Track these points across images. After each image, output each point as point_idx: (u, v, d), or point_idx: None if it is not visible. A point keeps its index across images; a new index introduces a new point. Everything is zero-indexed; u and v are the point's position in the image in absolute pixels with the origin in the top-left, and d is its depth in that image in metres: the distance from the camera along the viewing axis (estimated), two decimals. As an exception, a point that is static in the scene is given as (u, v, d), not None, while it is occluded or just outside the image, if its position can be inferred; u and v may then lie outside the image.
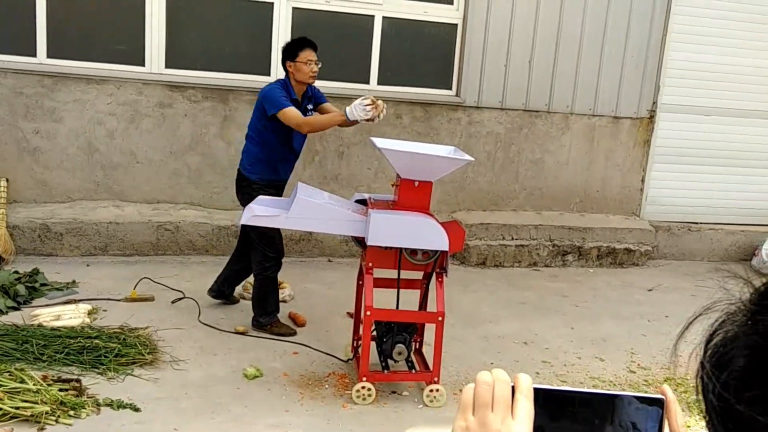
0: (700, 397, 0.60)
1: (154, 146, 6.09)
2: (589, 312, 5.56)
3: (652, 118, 7.12)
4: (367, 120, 4.18)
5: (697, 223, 7.38)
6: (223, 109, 6.15)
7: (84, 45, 5.89)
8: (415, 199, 3.71)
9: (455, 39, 6.60)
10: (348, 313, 5.07)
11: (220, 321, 4.77)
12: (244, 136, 4.96)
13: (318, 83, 6.50)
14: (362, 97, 4.18)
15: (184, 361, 4.11)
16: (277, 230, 4.38)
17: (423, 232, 3.58)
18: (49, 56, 5.78)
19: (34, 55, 5.76)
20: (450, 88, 6.72)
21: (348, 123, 4.35)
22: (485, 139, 6.77)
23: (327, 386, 3.96)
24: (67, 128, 5.89)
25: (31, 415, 3.28)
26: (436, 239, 3.58)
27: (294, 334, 4.62)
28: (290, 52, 4.43)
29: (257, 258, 4.52)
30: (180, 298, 5.05)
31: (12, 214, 5.68)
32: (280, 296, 5.24)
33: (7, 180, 5.78)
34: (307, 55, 4.41)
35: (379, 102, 4.15)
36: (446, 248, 3.61)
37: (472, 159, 3.76)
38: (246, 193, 4.45)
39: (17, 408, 3.30)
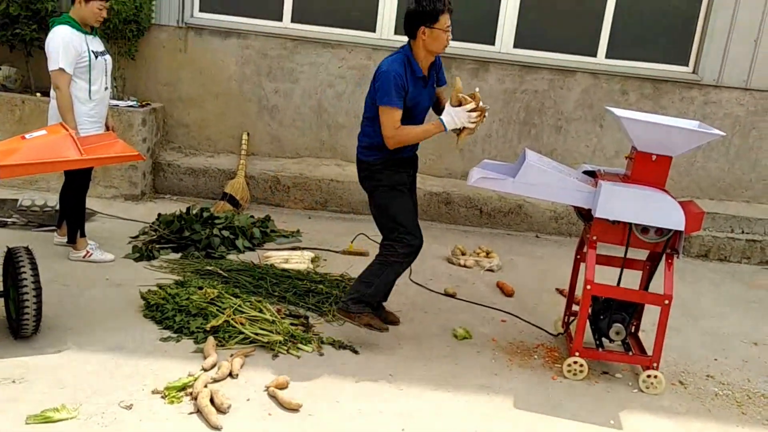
0: None
1: (377, 110, 6.35)
2: (835, 320, 4.92)
3: None
4: (463, 129, 3.51)
5: None
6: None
7: (323, 11, 6.28)
8: (651, 174, 3.50)
9: (699, 9, 6.09)
10: (557, 289, 4.97)
11: (429, 282, 4.89)
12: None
13: (535, 54, 6.36)
14: (467, 106, 3.47)
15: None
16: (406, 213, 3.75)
17: (658, 209, 3.37)
18: (293, 21, 6.25)
19: (280, 20, 6.25)
20: (686, 64, 6.24)
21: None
22: (721, 122, 6.21)
23: (536, 357, 3.92)
24: (302, 89, 6.34)
25: (267, 342, 3.61)
26: (673, 217, 3.36)
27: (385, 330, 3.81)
28: (430, 16, 3.48)
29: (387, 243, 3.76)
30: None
31: (249, 165, 6.26)
32: (487, 265, 5.27)
33: (248, 134, 6.37)
34: (447, 20, 3.51)
35: (485, 106, 3.52)
36: (683, 228, 3.38)
37: (724, 134, 3.46)
38: (367, 177, 3.79)
39: (256, 334, 3.65)
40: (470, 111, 3.47)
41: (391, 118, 3.50)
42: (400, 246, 3.67)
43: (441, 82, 3.83)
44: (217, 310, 3.79)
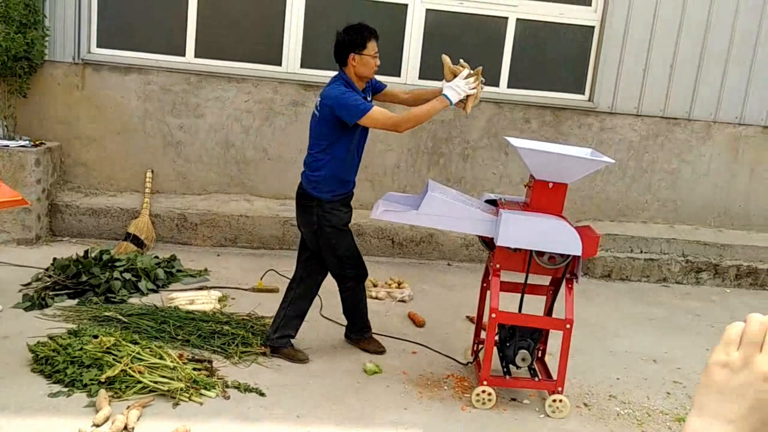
0: None
1: (285, 143, 6.30)
2: (728, 334, 5.17)
3: (806, 129, 6.56)
4: (468, 98, 3.65)
5: None
6: (352, 109, 6.26)
7: (227, 45, 6.20)
8: (548, 201, 3.60)
9: (591, 42, 6.38)
10: (467, 317, 5.01)
11: (341, 317, 4.82)
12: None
13: (441, 84, 6.44)
14: (462, 74, 3.65)
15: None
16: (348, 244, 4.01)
17: (556, 235, 3.46)
18: (196, 56, 6.13)
19: (183, 55, 6.13)
20: (583, 93, 6.50)
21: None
22: (617, 147, 6.49)
23: (446, 387, 3.91)
24: (208, 124, 6.21)
25: (168, 390, 3.45)
26: (570, 243, 3.45)
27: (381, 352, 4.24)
28: (357, 43, 3.76)
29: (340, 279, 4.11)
30: (304, 291, 5.16)
31: (154, 203, 6.06)
32: (399, 296, 5.27)
33: (153, 171, 6.17)
34: (374, 46, 3.80)
35: (479, 68, 3.68)
36: (579, 253, 3.47)
37: (613, 161, 3.60)
38: (318, 215, 3.88)
39: (156, 382, 3.49)
40: (466, 78, 3.64)
41: (379, 117, 3.67)
42: (347, 280, 4.06)
43: (380, 87, 4.07)
44: (113, 359, 3.60)
